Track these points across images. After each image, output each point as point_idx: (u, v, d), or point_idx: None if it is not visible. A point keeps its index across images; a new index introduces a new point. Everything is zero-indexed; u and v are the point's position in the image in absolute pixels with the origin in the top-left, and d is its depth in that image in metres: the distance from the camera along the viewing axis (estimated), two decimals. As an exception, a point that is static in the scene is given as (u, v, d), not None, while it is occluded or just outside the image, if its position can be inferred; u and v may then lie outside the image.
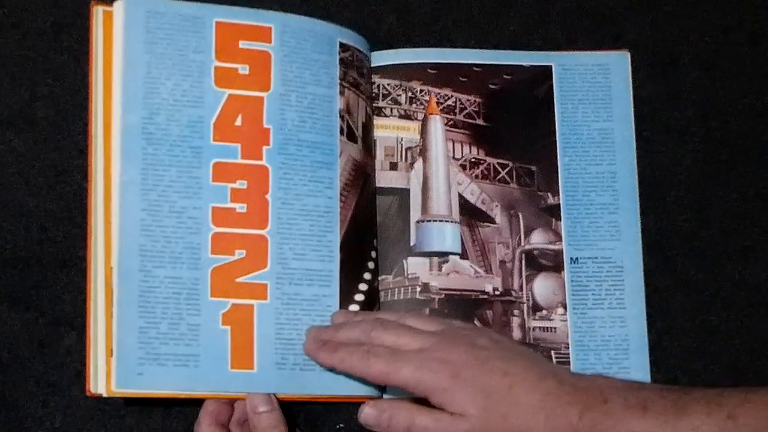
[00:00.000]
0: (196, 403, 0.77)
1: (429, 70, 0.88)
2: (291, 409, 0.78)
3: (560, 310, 0.84)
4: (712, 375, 0.85)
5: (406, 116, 0.87)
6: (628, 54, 0.89)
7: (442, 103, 0.87)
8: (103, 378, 0.72)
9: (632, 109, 0.88)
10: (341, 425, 0.83)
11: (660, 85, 0.91)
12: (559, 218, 0.86)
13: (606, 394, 0.67)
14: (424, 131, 0.87)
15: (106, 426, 0.80)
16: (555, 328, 0.84)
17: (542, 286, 0.85)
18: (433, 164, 0.86)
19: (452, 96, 0.88)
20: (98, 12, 0.76)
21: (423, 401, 0.69)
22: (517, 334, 0.84)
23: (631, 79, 0.89)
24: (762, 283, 0.88)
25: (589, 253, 0.85)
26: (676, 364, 0.85)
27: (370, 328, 0.73)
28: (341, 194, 0.80)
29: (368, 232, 0.82)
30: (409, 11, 0.90)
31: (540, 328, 0.84)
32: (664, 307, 0.86)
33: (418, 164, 0.86)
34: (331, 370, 0.74)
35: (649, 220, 0.87)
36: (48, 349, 0.80)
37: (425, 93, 0.87)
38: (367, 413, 0.70)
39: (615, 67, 0.89)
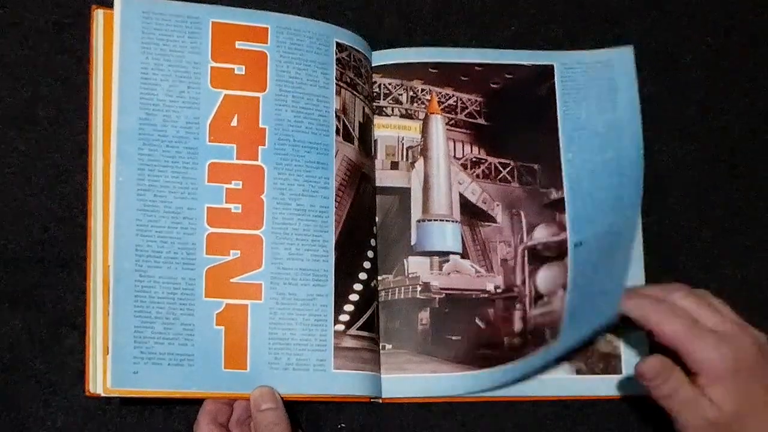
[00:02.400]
0: (196, 403, 0.77)
1: (430, 70, 0.87)
2: (293, 409, 0.78)
3: (560, 292, 0.84)
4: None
5: (407, 115, 0.87)
6: (632, 48, 0.89)
7: (443, 103, 0.87)
8: (101, 377, 0.73)
9: (638, 101, 0.87)
10: (342, 425, 0.83)
11: (661, 85, 0.90)
12: (563, 210, 0.86)
13: None
14: (425, 131, 0.87)
15: (107, 426, 0.80)
16: (554, 311, 0.84)
17: (545, 276, 0.85)
18: (434, 164, 0.86)
19: (453, 95, 0.88)
20: (98, 15, 0.77)
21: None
22: (518, 325, 0.84)
23: (635, 73, 0.88)
24: (762, 283, 0.87)
25: (592, 232, 0.85)
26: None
27: (674, 288, 0.76)
28: (336, 194, 0.80)
29: (365, 232, 0.82)
30: (410, 11, 0.90)
31: (540, 314, 0.84)
32: (665, 307, 0.86)
33: (419, 164, 0.86)
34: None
35: (650, 219, 0.87)
36: (49, 349, 0.80)
37: (426, 92, 0.87)
38: (649, 365, 0.72)
39: (619, 62, 0.88)
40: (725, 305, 0.76)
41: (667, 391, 0.71)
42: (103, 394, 0.72)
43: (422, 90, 0.87)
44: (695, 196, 0.89)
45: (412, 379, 0.81)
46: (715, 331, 0.72)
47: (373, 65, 0.86)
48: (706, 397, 0.70)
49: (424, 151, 0.86)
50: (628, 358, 0.84)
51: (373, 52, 0.86)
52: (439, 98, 0.87)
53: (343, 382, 0.77)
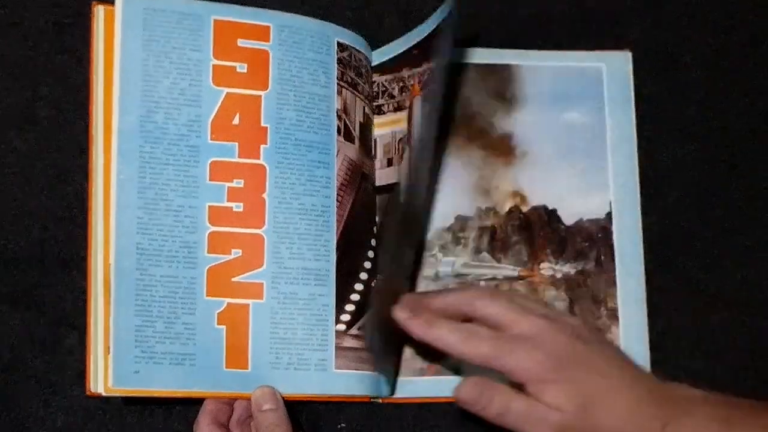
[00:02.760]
0: (196, 403, 0.77)
1: (413, 52, 0.85)
2: (293, 409, 0.78)
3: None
4: (712, 375, 0.85)
5: (399, 108, 0.86)
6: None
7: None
8: (102, 377, 0.72)
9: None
10: (342, 425, 0.83)
11: (661, 85, 0.90)
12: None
13: (690, 407, 0.67)
14: (409, 117, 0.86)
15: (107, 426, 0.80)
16: None
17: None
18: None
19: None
20: (99, 12, 0.76)
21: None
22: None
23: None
24: (762, 283, 0.87)
25: None
26: (676, 364, 0.85)
27: (477, 295, 0.72)
28: (338, 194, 0.80)
29: (365, 232, 0.82)
30: (410, 11, 0.90)
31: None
32: (665, 307, 0.86)
33: (407, 153, 0.85)
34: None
35: (650, 220, 0.87)
36: (49, 349, 0.80)
37: (412, 77, 0.86)
38: (465, 392, 0.69)
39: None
40: (531, 301, 0.74)
41: (497, 410, 0.68)
42: (104, 394, 0.72)
43: (409, 77, 0.86)
44: (695, 196, 0.89)
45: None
46: (523, 336, 0.69)
47: (373, 65, 0.86)
48: (543, 404, 0.67)
49: (408, 138, 0.85)
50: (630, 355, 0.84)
51: (373, 52, 0.86)
52: (419, 78, 0.86)
53: (344, 382, 0.77)
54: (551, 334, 0.69)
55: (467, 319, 0.72)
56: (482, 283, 0.85)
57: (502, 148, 0.87)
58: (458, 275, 0.84)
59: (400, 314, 0.72)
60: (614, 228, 0.86)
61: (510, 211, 0.86)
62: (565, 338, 0.69)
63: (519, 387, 0.69)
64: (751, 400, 0.69)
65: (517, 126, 0.88)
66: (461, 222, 0.86)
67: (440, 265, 0.85)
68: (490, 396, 0.69)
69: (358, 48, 0.84)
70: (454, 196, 0.86)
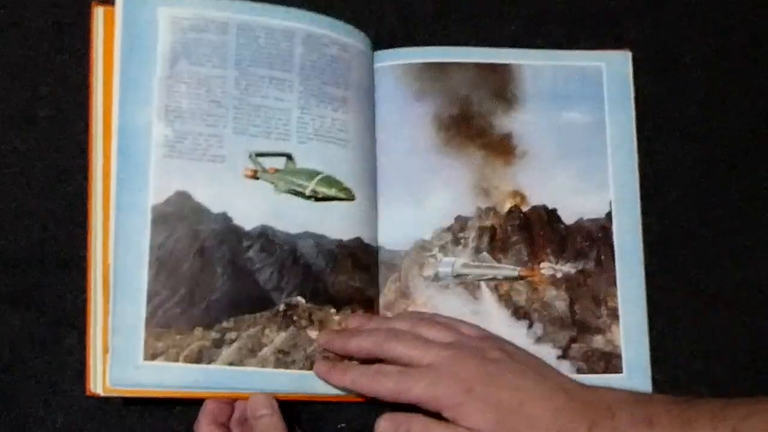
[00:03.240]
0: (196, 403, 0.76)
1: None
2: (293, 409, 0.78)
3: None
4: (712, 375, 0.85)
5: None
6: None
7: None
8: (101, 377, 0.72)
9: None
10: (342, 425, 0.83)
11: (661, 85, 0.90)
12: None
13: (613, 409, 0.68)
14: None
15: (107, 426, 0.80)
16: None
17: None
18: None
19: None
20: (99, 12, 0.76)
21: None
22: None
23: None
24: (762, 283, 0.87)
25: None
26: (676, 364, 0.85)
27: (383, 338, 0.74)
28: None
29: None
30: (410, 11, 0.90)
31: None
32: (665, 307, 0.86)
33: None
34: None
35: (650, 220, 0.87)
36: (49, 349, 0.80)
37: None
38: (383, 427, 0.71)
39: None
40: (435, 327, 0.75)
41: None
42: (103, 394, 0.72)
43: None
44: (695, 196, 0.89)
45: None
46: (430, 367, 0.70)
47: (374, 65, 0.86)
48: (462, 427, 0.68)
49: None
50: (629, 357, 0.84)
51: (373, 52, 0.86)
52: None
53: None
54: (456, 359, 0.71)
55: (383, 360, 0.74)
56: (482, 283, 0.85)
57: (502, 148, 0.87)
58: (458, 275, 0.84)
59: (320, 368, 0.76)
60: (614, 228, 0.86)
61: (510, 210, 0.86)
62: (473, 361, 0.71)
63: (438, 416, 0.70)
64: (677, 398, 0.69)
65: (517, 125, 0.88)
66: (461, 222, 0.85)
67: (440, 265, 0.84)
68: (407, 428, 0.70)
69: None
70: (454, 197, 0.86)
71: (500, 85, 0.88)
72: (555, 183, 0.87)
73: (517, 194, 0.86)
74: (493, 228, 0.86)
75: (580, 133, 0.88)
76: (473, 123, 0.88)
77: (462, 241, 0.85)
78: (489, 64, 0.89)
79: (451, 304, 0.84)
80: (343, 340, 0.76)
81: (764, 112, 0.90)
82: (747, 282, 0.87)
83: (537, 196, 0.87)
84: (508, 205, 0.86)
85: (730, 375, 0.85)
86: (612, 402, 0.69)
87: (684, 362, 0.85)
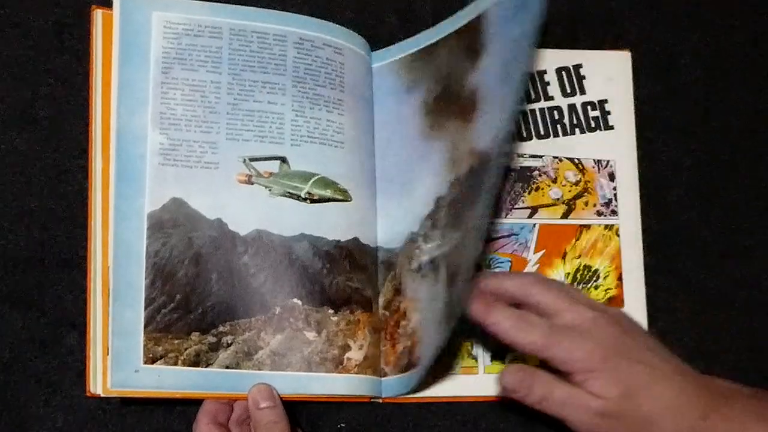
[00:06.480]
0: (196, 403, 0.76)
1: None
2: (293, 409, 0.78)
3: None
4: (712, 375, 0.84)
5: None
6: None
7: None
8: (101, 378, 0.72)
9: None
10: (342, 425, 0.83)
11: (661, 85, 0.90)
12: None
13: (728, 399, 0.69)
14: None
15: (107, 426, 0.80)
16: None
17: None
18: None
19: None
20: (98, 15, 0.76)
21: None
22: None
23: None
24: (762, 283, 0.87)
25: None
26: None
27: (532, 281, 0.74)
28: None
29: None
30: (410, 11, 0.90)
31: None
32: (665, 307, 0.86)
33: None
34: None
35: (650, 219, 0.87)
36: (49, 349, 0.80)
37: None
38: (508, 379, 0.71)
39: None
40: (579, 292, 0.77)
41: (539, 397, 0.70)
42: (102, 395, 0.72)
43: None
44: (695, 196, 0.89)
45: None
46: (573, 327, 0.71)
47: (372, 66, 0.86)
48: (586, 391, 0.69)
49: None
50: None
51: (373, 53, 0.86)
52: None
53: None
54: (600, 325, 0.71)
55: (516, 304, 0.74)
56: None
57: (469, 106, 0.80)
58: (432, 261, 0.82)
59: (477, 307, 0.73)
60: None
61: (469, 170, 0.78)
62: (613, 330, 0.71)
63: (559, 374, 0.70)
64: None
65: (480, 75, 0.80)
66: (438, 203, 0.80)
67: (422, 254, 0.81)
68: (530, 382, 0.70)
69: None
70: (435, 179, 0.81)
71: (470, 41, 0.82)
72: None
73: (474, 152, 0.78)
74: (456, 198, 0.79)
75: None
76: (452, 94, 0.82)
77: (437, 223, 0.81)
78: (464, 25, 0.83)
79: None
80: (484, 279, 0.75)
81: (764, 112, 0.90)
82: (747, 282, 0.87)
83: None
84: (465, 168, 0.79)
85: (730, 375, 0.84)
86: (725, 391, 0.71)
87: (684, 362, 0.85)
